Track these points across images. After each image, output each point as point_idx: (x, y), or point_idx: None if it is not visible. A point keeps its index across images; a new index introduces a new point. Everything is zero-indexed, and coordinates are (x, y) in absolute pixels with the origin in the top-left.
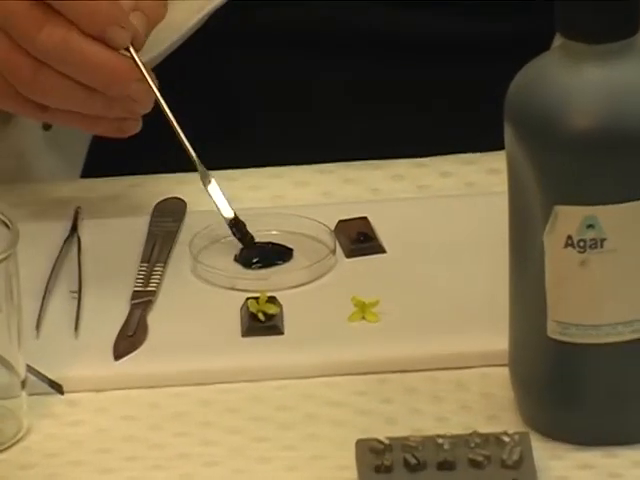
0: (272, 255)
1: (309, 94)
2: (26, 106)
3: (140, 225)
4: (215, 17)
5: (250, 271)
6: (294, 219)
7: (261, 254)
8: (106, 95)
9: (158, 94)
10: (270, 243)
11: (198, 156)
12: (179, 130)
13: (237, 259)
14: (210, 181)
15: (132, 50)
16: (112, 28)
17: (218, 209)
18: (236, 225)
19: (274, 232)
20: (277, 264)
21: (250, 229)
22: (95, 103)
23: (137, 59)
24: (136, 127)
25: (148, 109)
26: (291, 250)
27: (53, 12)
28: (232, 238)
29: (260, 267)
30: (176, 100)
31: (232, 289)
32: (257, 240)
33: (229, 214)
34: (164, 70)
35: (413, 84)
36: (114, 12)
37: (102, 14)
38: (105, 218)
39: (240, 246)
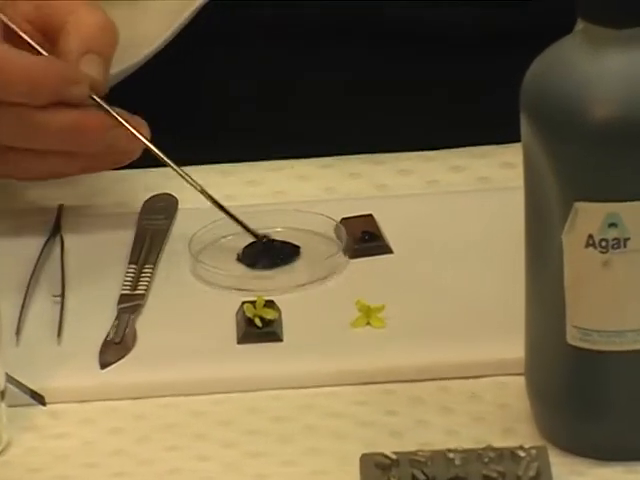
0: (278, 254)
1: (309, 88)
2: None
3: (128, 223)
4: (211, 12)
5: (255, 271)
6: (300, 215)
7: (266, 253)
8: (87, 153)
9: (141, 137)
10: (274, 240)
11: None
12: (170, 163)
13: (240, 259)
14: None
15: (96, 98)
16: (64, 89)
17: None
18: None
19: (280, 229)
20: (284, 263)
21: (253, 226)
22: (76, 164)
23: (105, 106)
24: (133, 158)
25: (140, 148)
26: (298, 248)
27: None
28: (233, 237)
29: (265, 267)
30: (173, 95)
31: (238, 290)
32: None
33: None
34: (159, 64)
35: (422, 74)
36: (59, 74)
37: (46, 85)
38: (90, 216)
39: (243, 245)
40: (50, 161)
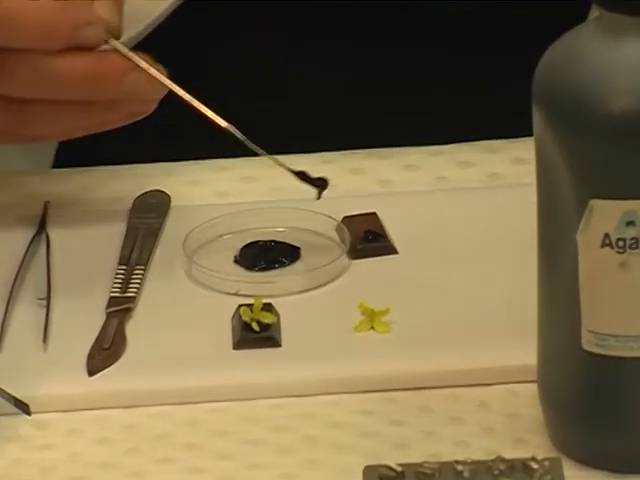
0: (277, 255)
1: (308, 83)
2: (13, 139)
3: (117, 222)
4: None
5: (253, 273)
6: (300, 214)
7: (264, 254)
8: (104, 102)
9: (159, 75)
10: (274, 241)
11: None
12: (196, 102)
13: (237, 260)
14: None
15: (112, 42)
16: (78, 31)
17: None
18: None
19: (280, 229)
20: (283, 265)
21: (250, 226)
22: (93, 116)
23: (122, 49)
24: (150, 109)
25: (160, 94)
26: (298, 249)
27: (10, 50)
28: (230, 236)
29: (264, 269)
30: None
31: (235, 294)
32: (259, 239)
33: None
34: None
35: (429, 63)
36: (72, 17)
37: (60, 28)
38: (77, 213)
39: (240, 245)
40: (65, 114)
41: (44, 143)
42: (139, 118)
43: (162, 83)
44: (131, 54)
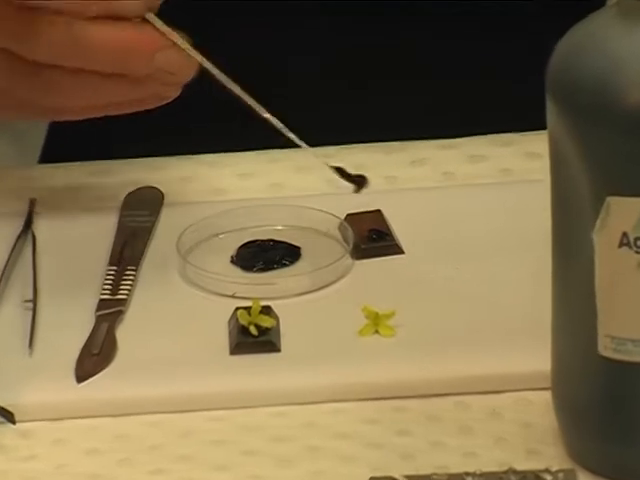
0: (276, 255)
1: (307, 71)
2: (35, 112)
3: (107, 220)
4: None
5: (251, 275)
6: (301, 212)
7: (263, 254)
8: (133, 77)
9: (197, 55)
10: (272, 241)
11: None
12: (236, 87)
13: (234, 261)
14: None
15: (150, 15)
16: (117, 1)
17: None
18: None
19: (279, 228)
20: (282, 266)
21: (248, 224)
22: (119, 90)
23: (159, 24)
24: (175, 93)
25: (189, 76)
26: (298, 249)
27: (44, 11)
28: (227, 235)
29: (262, 270)
30: None
31: (232, 297)
32: (257, 238)
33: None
34: None
35: (437, 53)
36: None
37: None
38: (65, 212)
39: (237, 245)
40: (89, 85)
41: (61, 118)
42: (162, 103)
43: (194, 65)
44: (168, 30)
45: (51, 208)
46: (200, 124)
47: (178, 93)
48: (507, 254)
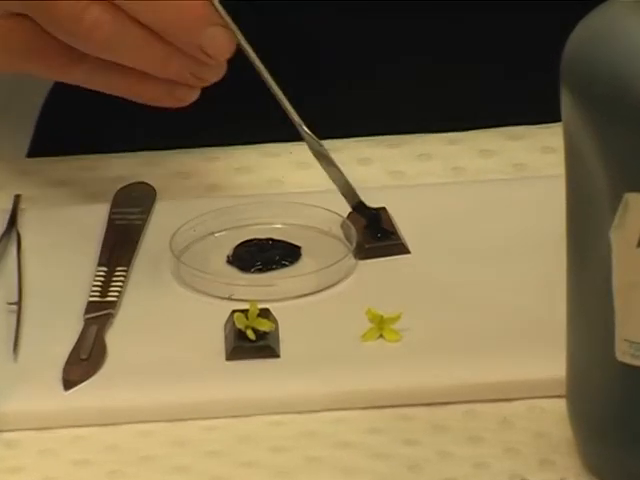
0: (275, 255)
1: (310, 57)
2: (57, 61)
3: (97, 217)
4: None
5: (249, 275)
6: (301, 209)
7: (261, 254)
8: (170, 44)
9: (245, 43)
10: (271, 240)
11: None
12: (279, 92)
13: (230, 261)
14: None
15: None
16: None
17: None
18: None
19: (278, 226)
20: (282, 266)
21: (245, 222)
22: (154, 52)
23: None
24: (192, 95)
25: (219, 73)
26: (298, 248)
27: None
28: (223, 234)
29: (261, 270)
30: None
31: (228, 299)
32: (256, 237)
33: (353, 198)
34: None
35: (444, 41)
36: None
37: None
38: (52, 209)
39: (234, 244)
40: (132, 34)
41: (69, 81)
42: (175, 104)
43: (231, 51)
44: (220, 7)
45: (37, 205)
46: (194, 116)
47: (194, 97)
48: (519, 254)
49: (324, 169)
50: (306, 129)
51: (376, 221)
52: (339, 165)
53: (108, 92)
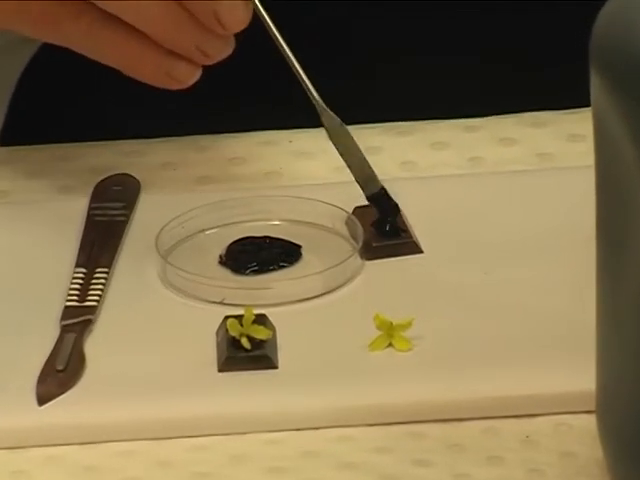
0: (273, 255)
1: (310, 39)
2: (50, 14)
3: (74, 213)
4: None
5: (243, 278)
6: (301, 204)
7: (257, 254)
8: (184, 9)
9: (266, 15)
10: (268, 238)
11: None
12: (298, 67)
13: (223, 261)
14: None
15: None
16: None
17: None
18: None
19: (276, 222)
20: (280, 267)
21: (239, 218)
22: (167, 14)
23: None
24: (191, 76)
25: (227, 50)
26: (299, 247)
27: None
28: (215, 231)
29: (257, 272)
30: None
31: (221, 303)
32: (251, 234)
33: (375, 186)
34: None
35: (461, 20)
36: None
37: None
38: (25, 203)
39: (227, 243)
40: (151, 5)
41: (69, 45)
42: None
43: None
44: None
45: (8, 199)
46: (183, 102)
47: (194, 79)
48: (544, 254)
49: (340, 151)
50: (324, 105)
51: (394, 215)
52: (360, 147)
53: (99, 59)
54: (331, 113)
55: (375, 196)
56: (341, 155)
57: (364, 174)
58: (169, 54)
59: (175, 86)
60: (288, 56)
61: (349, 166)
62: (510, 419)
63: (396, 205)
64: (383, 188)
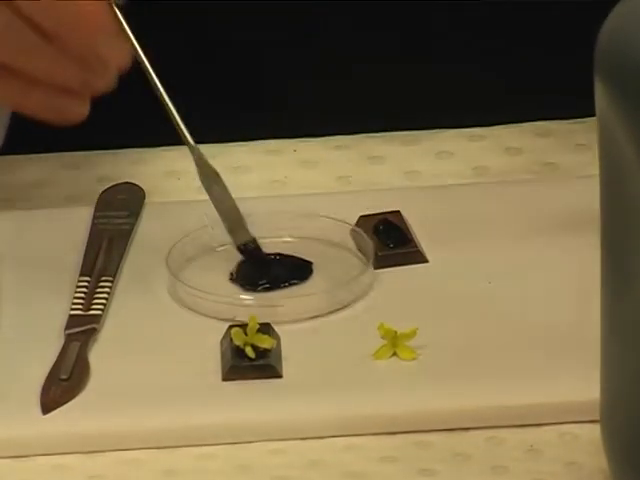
0: (284, 272)
1: (313, 46)
2: None
3: (79, 222)
4: None
5: (254, 295)
6: (312, 220)
7: (269, 271)
8: (62, 47)
9: (140, 51)
10: (279, 254)
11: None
12: (169, 104)
13: (234, 278)
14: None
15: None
16: None
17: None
18: (253, 252)
19: (287, 239)
20: (291, 284)
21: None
22: (47, 54)
23: (116, 9)
24: (81, 111)
25: (110, 82)
26: (310, 264)
27: None
28: (225, 248)
29: (268, 289)
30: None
31: (231, 321)
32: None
33: (245, 235)
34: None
35: (465, 29)
36: None
37: None
38: (29, 212)
39: (236, 261)
40: (23, 30)
41: None
42: (59, 118)
43: (125, 61)
44: (120, 16)
45: (13, 207)
46: (187, 110)
47: (83, 115)
48: (549, 264)
49: (212, 199)
50: (200, 152)
51: (264, 267)
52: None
53: None
54: (206, 160)
55: (244, 247)
56: (213, 203)
57: (235, 223)
58: (58, 92)
59: (63, 121)
60: (161, 94)
61: (220, 214)
62: (515, 429)
63: (266, 258)
64: (254, 240)
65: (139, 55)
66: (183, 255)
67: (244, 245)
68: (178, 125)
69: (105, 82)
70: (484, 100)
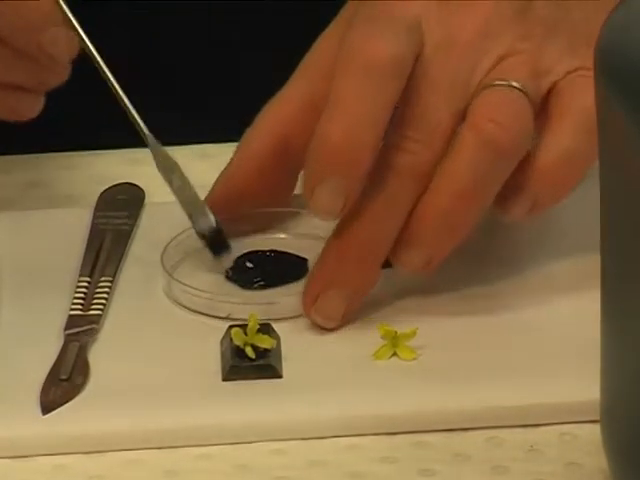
0: (280, 270)
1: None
2: None
3: (78, 222)
4: None
5: (250, 293)
6: (308, 216)
7: (263, 268)
8: (8, 45)
9: (90, 45)
10: (274, 252)
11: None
12: (123, 96)
13: (230, 276)
14: (174, 169)
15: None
16: None
17: (195, 214)
18: (215, 238)
19: (282, 236)
20: (287, 282)
21: (245, 230)
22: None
23: (61, 3)
24: (35, 107)
25: (63, 76)
26: (305, 261)
27: None
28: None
29: (264, 287)
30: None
31: (226, 319)
32: (257, 248)
33: (206, 222)
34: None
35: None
36: None
37: None
38: (28, 213)
39: (234, 257)
40: None
41: None
42: (15, 118)
43: (71, 57)
44: (64, 6)
45: (11, 208)
46: (187, 109)
47: (37, 111)
48: (549, 260)
49: (173, 190)
50: (155, 140)
51: (224, 253)
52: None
53: None
54: (163, 149)
55: (205, 233)
56: (174, 192)
57: (195, 210)
58: (10, 90)
59: (21, 119)
60: (115, 88)
61: (181, 203)
62: (515, 429)
63: (227, 242)
64: (216, 226)
65: (86, 45)
66: (178, 253)
67: (205, 231)
68: (132, 115)
69: (57, 77)
70: None
